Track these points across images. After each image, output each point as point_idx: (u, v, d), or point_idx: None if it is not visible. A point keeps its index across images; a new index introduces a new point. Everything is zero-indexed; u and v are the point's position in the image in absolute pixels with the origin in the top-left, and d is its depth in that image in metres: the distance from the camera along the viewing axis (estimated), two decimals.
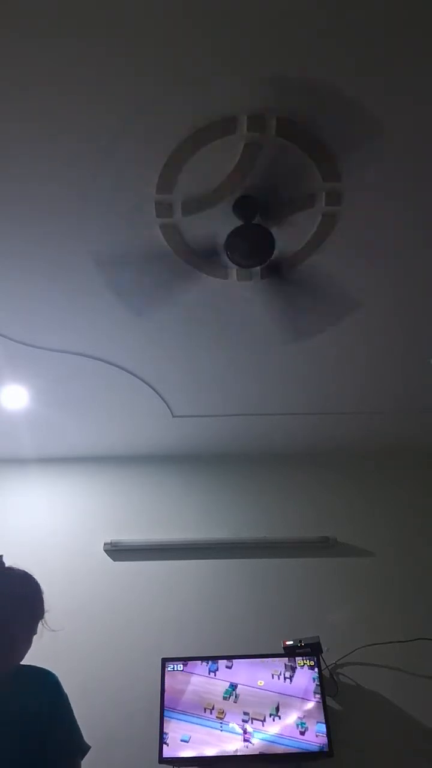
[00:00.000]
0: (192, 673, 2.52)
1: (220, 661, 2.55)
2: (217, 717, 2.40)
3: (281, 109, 1.65)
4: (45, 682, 1.47)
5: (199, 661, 2.55)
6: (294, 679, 2.50)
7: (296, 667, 2.53)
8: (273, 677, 2.50)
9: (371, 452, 3.26)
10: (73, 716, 1.48)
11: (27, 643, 1.52)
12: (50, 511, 3.12)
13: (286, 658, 2.56)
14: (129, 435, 3.11)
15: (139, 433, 3.09)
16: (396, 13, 1.46)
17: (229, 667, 2.53)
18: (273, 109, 1.65)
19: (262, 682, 2.49)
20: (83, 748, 1.47)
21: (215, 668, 2.54)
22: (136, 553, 2.98)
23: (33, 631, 1.54)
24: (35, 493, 3.17)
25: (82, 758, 1.47)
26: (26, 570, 1.62)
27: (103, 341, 2.46)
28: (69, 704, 1.48)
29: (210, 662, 2.55)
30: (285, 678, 2.49)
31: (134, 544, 3.00)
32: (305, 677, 2.50)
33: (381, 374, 2.71)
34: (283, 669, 2.53)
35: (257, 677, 2.50)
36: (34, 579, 1.61)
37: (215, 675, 2.52)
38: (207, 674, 2.52)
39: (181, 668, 2.54)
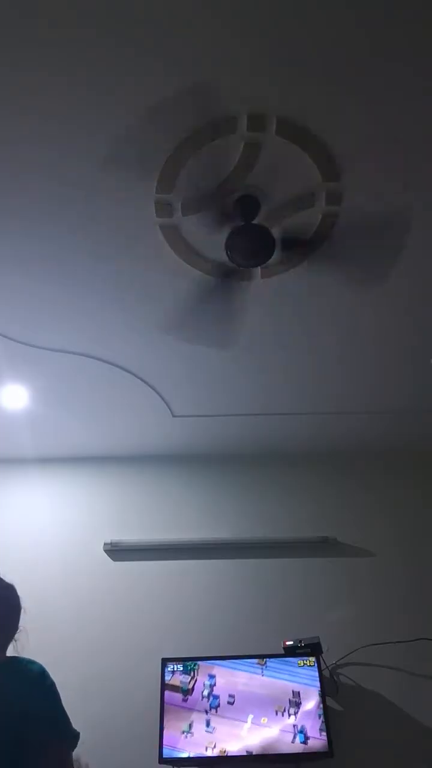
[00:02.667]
0: (192, 709, 2.43)
1: (221, 696, 2.45)
2: (219, 753, 2.33)
3: (281, 109, 1.65)
4: (29, 670, 1.48)
5: (199, 697, 2.45)
6: (299, 714, 2.41)
7: (300, 703, 2.44)
8: (277, 714, 2.41)
9: (371, 452, 3.26)
10: (60, 703, 1.48)
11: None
12: (50, 511, 3.12)
13: (291, 693, 2.46)
14: (129, 435, 3.11)
15: (139, 433, 3.09)
16: (396, 12, 1.46)
17: (231, 703, 2.45)
18: (273, 109, 1.65)
19: (266, 719, 2.40)
20: (69, 735, 1.47)
21: (216, 704, 2.44)
22: (137, 553, 2.98)
23: (3, 649, 1.55)
24: (35, 493, 3.17)
25: (72, 744, 1.46)
26: (12, 583, 1.64)
27: (104, 341, 2.46)
28: (55, 691, 1.48)
29: (212, 698, 2.46)
30: (289, 714, 2.41)
31: (134, 544, 2.99)
32: (311, 715, 2.41)
33: (381, 375, 2.71)
34: (288, 705, 2.44)
35: (261, 715, 2.40)
36: (13, 594, 1.62)
37: (216, 711, 2.42)
38: (208, 710, 2.42)
39: (182, 701, 2.44)
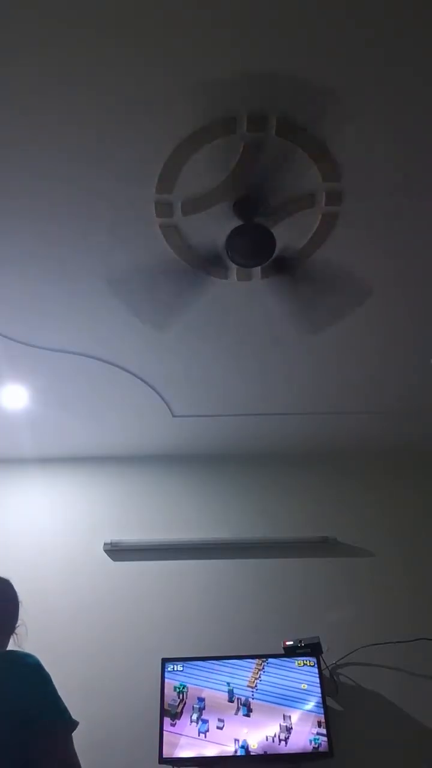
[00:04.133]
0: (181, 734, 2.36)
1: (210, 721, 2.39)
2: (218, 753, 2.32)
3: (281, 109, 1.65)
4: (26, 663, 1.50)
5: (188, 721, 2.40)
6: (290, 740, 2.36)
7: (291, 728, 2.38)
8: (267, 739, 2.34)
9: (371, 452, 3.26)
10: (57, 694, 1.50)
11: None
12: (50, 511, 3.12)
13: (282, 718, 2.40)
14: (129, 435, 3.11)
15: (139, 433, 3.09)
16: (396, 13, 1.46)
17: (221, 728, 2.38)
18: (273, 109, 1.65)
19: (255, 745, 2.33)
20: (72, 721, 1.48)
21: (205, 729, 2.37)
22: (136, 553, 2.98)
23: (4, 645, 1.56)
24: (35, 493, 3.17)
25: (71, 732, 1.48)
26: (8, 579, 1.66)
27: (103, 341, 2.46)
28: (51, 682, 1.50)
29: (200, 722, 2.38)
30: (280, 740, 2.35)
31: (134, 544, 3.00)
32: (303, 736, 2.36)
33: (381, 374, 2.71)
34: (279, 730, 2.37)
35: (251, 740, 2.35)
36: (10, 588, 1.64)
37: (206, 737, 2.36)
38: (197, 735, 2.36)
39: (170, 725, 2.39)
